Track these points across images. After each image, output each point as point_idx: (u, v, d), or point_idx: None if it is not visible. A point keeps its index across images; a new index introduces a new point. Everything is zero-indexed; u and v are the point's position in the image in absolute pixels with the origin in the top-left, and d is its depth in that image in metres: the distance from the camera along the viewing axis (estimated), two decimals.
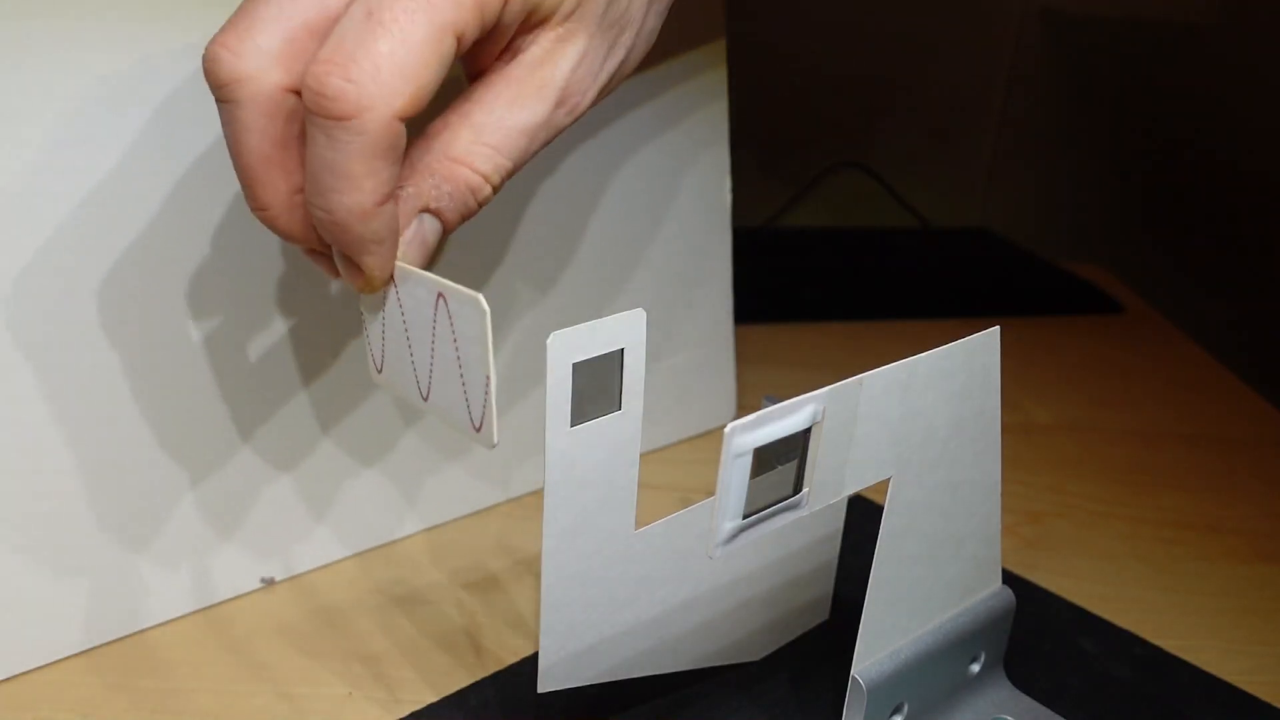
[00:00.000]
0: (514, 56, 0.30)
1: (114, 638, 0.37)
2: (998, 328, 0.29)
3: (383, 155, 0.26)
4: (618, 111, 0.46)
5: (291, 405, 0.39)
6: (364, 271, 0.28)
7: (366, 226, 0.27)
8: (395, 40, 0.25)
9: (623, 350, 0.27)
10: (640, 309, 0.27)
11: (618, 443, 0.28)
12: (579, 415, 0.27)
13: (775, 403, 0.24)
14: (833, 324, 0.72)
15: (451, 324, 0.28)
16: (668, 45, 0.47)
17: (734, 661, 0.36)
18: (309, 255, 0.31)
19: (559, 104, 0.31)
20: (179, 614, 0.38)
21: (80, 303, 0.34)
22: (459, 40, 0.27)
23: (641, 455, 0.29)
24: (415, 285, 0.29)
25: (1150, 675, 0.37)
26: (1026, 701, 0.34)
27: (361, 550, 0.43)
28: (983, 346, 0.29)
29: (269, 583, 0.40)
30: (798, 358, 0.66)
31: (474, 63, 0.31)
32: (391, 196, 0.27)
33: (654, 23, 0.34)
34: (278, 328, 0.39)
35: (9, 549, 0.34)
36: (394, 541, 0.43)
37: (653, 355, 0.49)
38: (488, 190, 0.30)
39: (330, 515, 0.41)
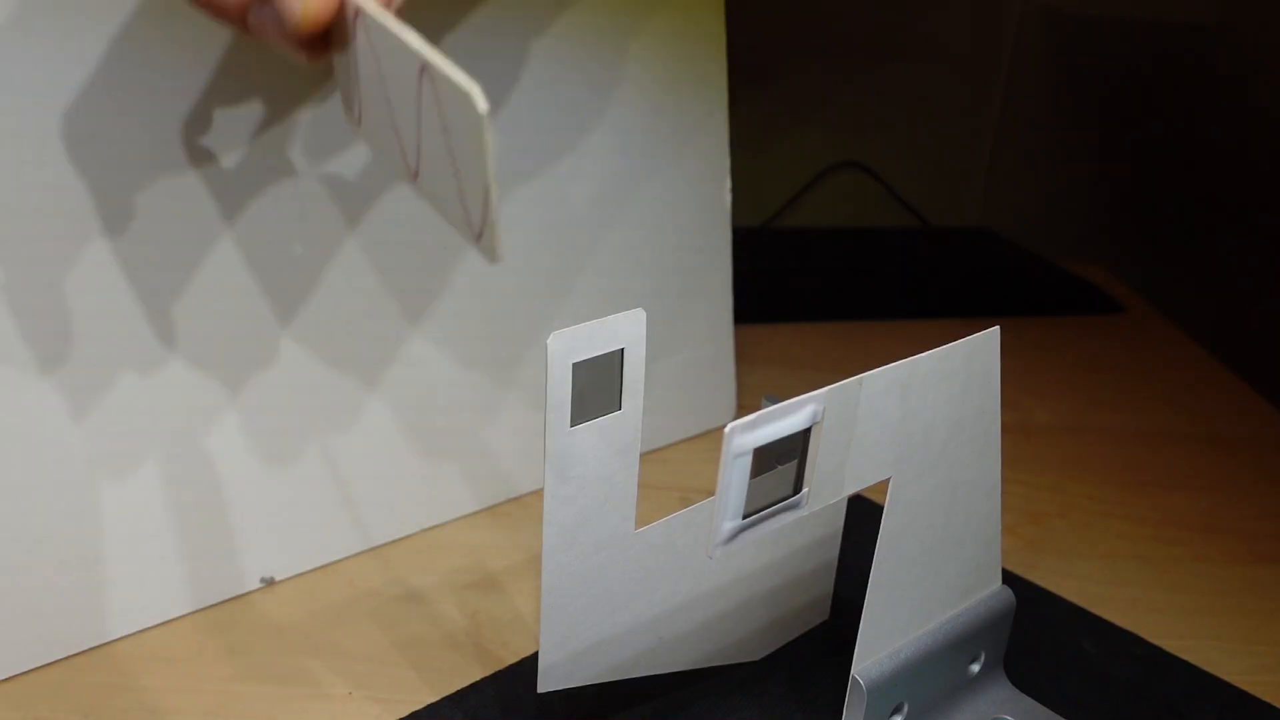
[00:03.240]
0: None
1: (114, 637, 0.37)
2: (998, 328, 0.29)
3: None
4: (618, 112, 0.46)
5: (292, 405, 0.39)
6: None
7: None
8: None
9: (623, 350, 0.27)
10: (640, 309, 0.27)
11: (618, 443, 0.28)
12: (579, 415, 0.27)
13: (775, 403, 0.24)
14: (833, 324, 0.72)
15: (441, 111, 0.22)
16: (668, 45, 0.47)
17: (734, 661, 0.36)
18: (239, 28, 0.27)
19: None
20: (179, 614, 0.38)
21: (79, 299, 0.34)
22: None
23: (641, 455, 0.29)
24: (390, 45, 0.22)
25: (1150, 675, 0.37)
26: (1026, 701, 0.34)
27: (361, 550, 0.43)
28: (983, 346, 0.29)
29: (269, 583, 0.40)
30: (798, 358, 0.66)
31: None
32: None
33: None
34: (278, 326, 0.39)
35: (9, 548, 0.34)
36: (394, 541, 0.43)
37: (653, 355, 0.49)
38: None
39: (330, 515, 0.41)
